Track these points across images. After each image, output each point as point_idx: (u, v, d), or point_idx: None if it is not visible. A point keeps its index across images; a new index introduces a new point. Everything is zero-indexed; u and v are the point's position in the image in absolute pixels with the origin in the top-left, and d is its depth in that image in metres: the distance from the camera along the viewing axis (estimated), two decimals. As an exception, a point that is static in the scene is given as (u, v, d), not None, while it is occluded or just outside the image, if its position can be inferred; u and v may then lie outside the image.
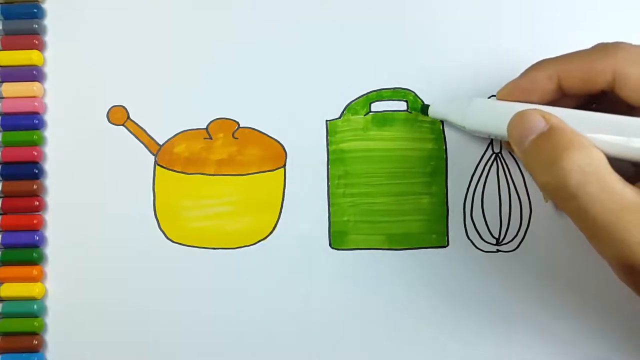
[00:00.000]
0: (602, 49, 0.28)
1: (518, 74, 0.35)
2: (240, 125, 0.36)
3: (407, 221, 0.35)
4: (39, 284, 0.35)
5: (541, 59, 0.30)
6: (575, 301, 0.34)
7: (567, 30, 0.36)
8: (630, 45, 0.28)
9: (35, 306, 0.35)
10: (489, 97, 0.35)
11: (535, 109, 0.28)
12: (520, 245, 0.35)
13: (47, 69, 0.37)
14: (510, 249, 0.35)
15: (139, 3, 0.37)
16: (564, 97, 0.30)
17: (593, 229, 0.25)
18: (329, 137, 0.36)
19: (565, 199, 0.26)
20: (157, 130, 0.36)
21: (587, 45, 0.29)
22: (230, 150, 0.36)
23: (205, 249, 0.35)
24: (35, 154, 0.36)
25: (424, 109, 0.34)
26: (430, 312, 0.35)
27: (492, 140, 0.35)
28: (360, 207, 0.35)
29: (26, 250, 0.35)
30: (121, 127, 0.36)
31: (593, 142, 0.26)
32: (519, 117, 0.28)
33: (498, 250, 0.35)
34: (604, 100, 0.30)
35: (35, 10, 0.36)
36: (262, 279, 0.35)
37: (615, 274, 0.26)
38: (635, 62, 0.27)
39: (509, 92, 0.30)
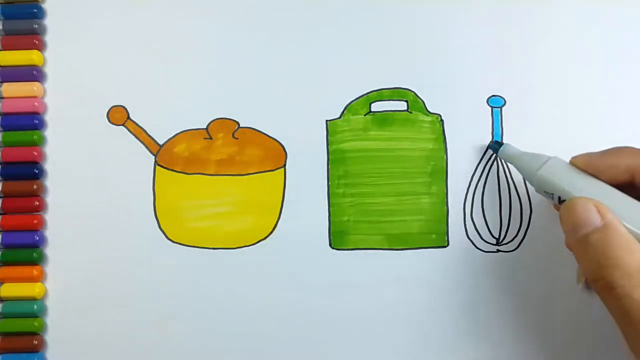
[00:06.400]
0: None
1: (518, 75, 0.36)
2: (240, 125, 0.36)
3: (407, 221, 0.35)
4: (39, 284, 0.35)
5: (623, 145, 0.30)
6: (576, 300, 0.34)
7: (566, 39, 0.36)
8: None
9: (35, 306, 0.35)
10: (495, 103, 0.35)
11: (591, 201, 0.28)
12: (520, 245, 0.35)
13: (47, 69, 0.37)
14: (510, 249, 0.35)
15: (139, 3, 0.37)
16: (634, 188, 0.29)
17: (631, 330, 0.26)
18: (329, 137, 0.36)
19: (609, 297, 0.26)
20: (157, 130, 0.36)
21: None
22: (230, 150, 0.36)
23: (205, 249, 0.35)
24: (35, 154, 0.36)
25: (495, 145, 0.34)
26: (430, 312, 0.35)
27: (492, 140, 0.35)
28: (360, 207, 0.35)
29: (26, 250, 0.35)
30: (121, 127, 0.36)
31: None
32: (574, 206, 0.28)
33: (498, 250, 0.35)
34: None
35: (35, 10, 0.36)
36: (262, 279, 0.35)
37: None
38: None
39: (584, 165, 0.30)
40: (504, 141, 0.35)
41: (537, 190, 0.31)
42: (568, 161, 0.31)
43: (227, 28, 0.36)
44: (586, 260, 0.27)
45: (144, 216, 0.36)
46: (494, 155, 0.35)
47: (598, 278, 0.27)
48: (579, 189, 0.29)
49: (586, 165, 0.30)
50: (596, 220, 0.27)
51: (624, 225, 0.27)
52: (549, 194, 0.31)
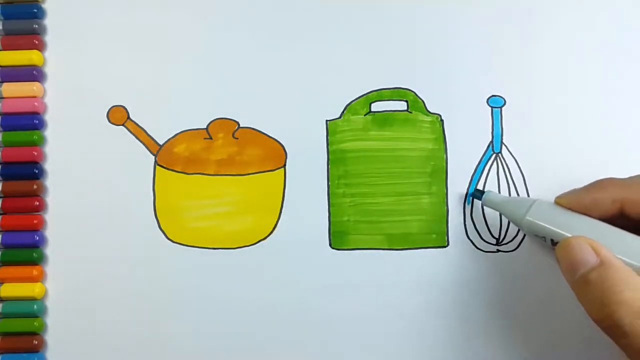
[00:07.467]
0: None
1: (518, 75, 0.36)
2: (240, 125, 0.36)
3: (407, 221, 0.35)
4: (39, 284, 0.35)
5: (606, 177, 0.30)
6: (576, 301, 0.34)
7: (566, 39, 0.36)
8: None
9: (35, 306, 0.35)
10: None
11: (585, 240, 0.28)
12: (520, 245, 0.35)
13: (47, 69, 0.37)
14: (510, 249, 0.35)
15: (139, 3, 0.37)
16: (624, 218, 0.29)
17: None
18: (329, 137, 0.36)
19: (617, 335, 0.26)
20: (157, 130, 0.36)
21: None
22: (230, 150, 0.36)
23: (205, 249, 0.35)
24: (35, 154, 0.36)
25: (477, 194, 0.34)
26: (430, 312, 0.35)
27: (492, 140, 0.35)
28: (360, 207, 0.35)
29: (26, 250, 0.35)
30: (121, 127, 0.36)
31: None
32: (569, 246, 0.28)
33: (498, 250, 0.35)
34: None
35: (35, 10, 0.36)
36: (262, 279, 0.35)
37: None
38: None
39: (569, 204, 0.30)
40: (485, 189, 0.35)
41: (528, 234, 0.31)
42: (553, 199, 0.31)
43: (227, 28, 0.36)
44: (588, 300, 0.27)
45: (144, 216, 0.36)
46: (494, 156, 0.35)
47: (603, 318, 0.26)
48: (569, 228, 0.29)
49: (570, 203, 0.30)
50: (592, 258, 0.27)
51: (620, 259, 0.27)
52: (540, 238, 0.31)
